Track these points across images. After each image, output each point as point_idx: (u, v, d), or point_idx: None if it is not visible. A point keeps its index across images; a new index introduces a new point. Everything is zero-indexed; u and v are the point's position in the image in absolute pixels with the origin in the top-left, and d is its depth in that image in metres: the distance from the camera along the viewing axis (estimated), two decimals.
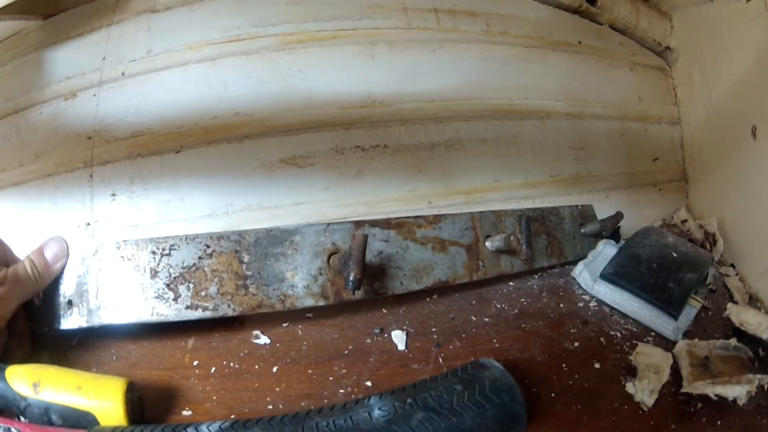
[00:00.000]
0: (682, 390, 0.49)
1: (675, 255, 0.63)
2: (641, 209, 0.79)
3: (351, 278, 0.48)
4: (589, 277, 0.63)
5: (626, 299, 0.60)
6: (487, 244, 0.61)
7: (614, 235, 0.70)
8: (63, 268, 0.48)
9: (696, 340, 0.53)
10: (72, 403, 0.40)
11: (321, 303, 0.52)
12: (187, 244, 0.50)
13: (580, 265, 0.66)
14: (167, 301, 0.48)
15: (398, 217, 0.58)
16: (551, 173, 0.75)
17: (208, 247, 0.50)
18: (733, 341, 0.53)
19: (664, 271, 0.61)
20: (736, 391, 0.47)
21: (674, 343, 0.55)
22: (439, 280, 0.58)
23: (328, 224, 0.54)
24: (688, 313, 0.58)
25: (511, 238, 0.58)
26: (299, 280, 0.52)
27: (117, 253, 0.49)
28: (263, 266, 0.51)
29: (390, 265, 0.55)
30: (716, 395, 0.48)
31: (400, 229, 0.57)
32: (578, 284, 0.65)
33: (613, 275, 0.61)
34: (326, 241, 0.53)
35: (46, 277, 0.47)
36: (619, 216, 0.69)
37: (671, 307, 0.57)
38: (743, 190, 0.68)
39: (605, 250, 0.67)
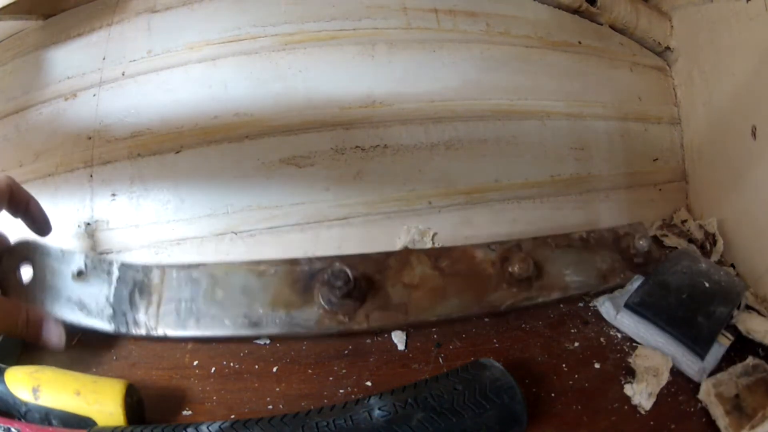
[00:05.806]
0: None
1: (707, 284, 0.56)
2: (641, 209, 0.78)
3: None
4: (612, 306, 0.58)
5: (651, 333, 0.54)
6: None
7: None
8: None
9: (718, 375, 0.49)
10: (71, 408, 0.40)
11: None
12: None
13: None
14: None
15: None
16: (551, 173, 0.75)
17: None
18: (750, 359, 0.50)
19: (694, 302, 0.54)
20: None
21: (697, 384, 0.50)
22: None
23: None
24: (717, 351, 0.52)
25: None
26: None
27: None
28: None
29: None
30: None
31: None
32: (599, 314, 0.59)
33: (638, 305, 0.55)
34: None
35: None
36: None
37: (698, 345, 0.51)
38: (743, 190, 0.68)
39: None
